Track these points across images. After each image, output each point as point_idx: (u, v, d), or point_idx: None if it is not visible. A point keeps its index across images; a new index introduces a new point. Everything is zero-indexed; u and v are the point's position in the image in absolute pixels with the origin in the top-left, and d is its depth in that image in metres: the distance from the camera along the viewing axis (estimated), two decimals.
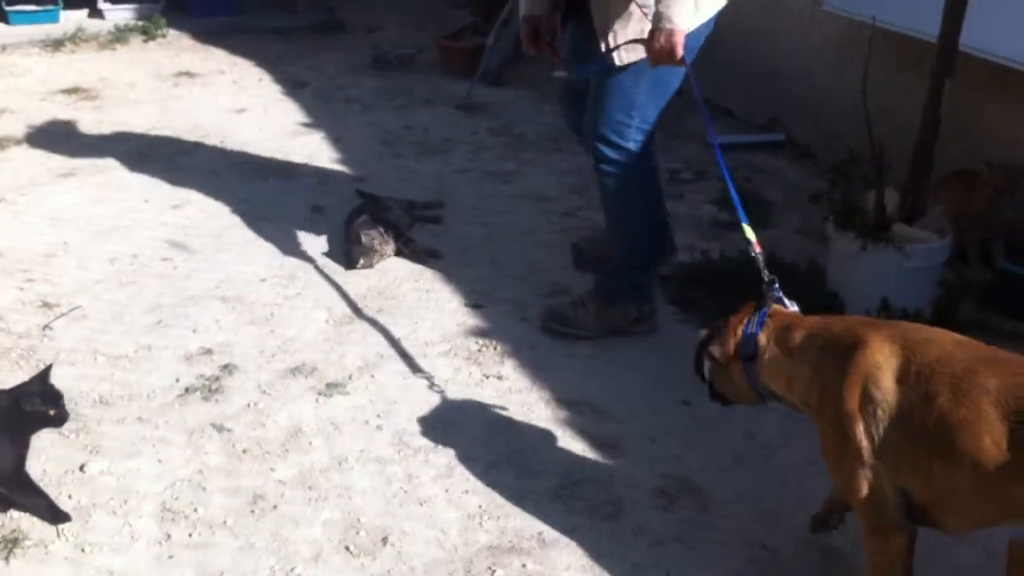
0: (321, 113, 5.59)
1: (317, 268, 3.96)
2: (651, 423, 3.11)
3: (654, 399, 3.23)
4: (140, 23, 6.82)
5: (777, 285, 2.56)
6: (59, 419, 2.67)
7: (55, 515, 2.64)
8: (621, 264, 3.54)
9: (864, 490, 2.18)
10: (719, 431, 3.06)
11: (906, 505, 2.17)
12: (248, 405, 3.15)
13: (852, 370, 2.17)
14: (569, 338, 3.53)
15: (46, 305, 3.63)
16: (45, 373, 2.68)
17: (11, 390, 2.65)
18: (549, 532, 2.66)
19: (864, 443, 2.15)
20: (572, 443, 3.02)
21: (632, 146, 3.34)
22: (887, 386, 2.13)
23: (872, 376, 2.15)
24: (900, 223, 3.65)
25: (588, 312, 3.55)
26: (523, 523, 2.69)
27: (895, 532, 2.19)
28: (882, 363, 2.15)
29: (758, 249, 2.67)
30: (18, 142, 5.02)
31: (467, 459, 2.93)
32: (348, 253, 3.97)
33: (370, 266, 3.93)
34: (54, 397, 2.66)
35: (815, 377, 2.28)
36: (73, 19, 6.83)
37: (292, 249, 4.10)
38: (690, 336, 3.47)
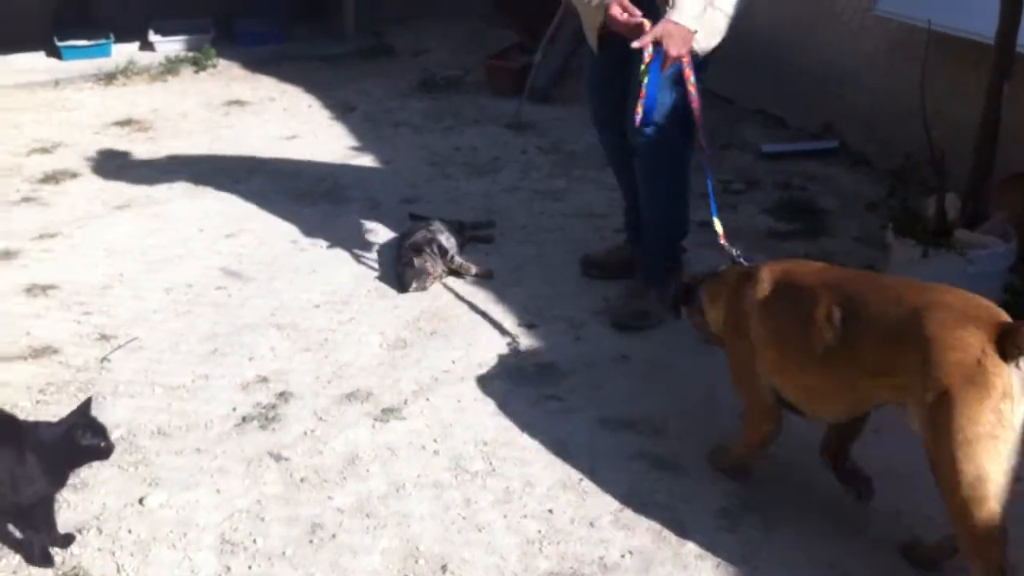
0: (370, 137, 5.60)
1: (370, 292, 3.96)
2: (712, 441, 3.05)
3: (714, 416, 3.18)
4: (190, 54, 6.89)
5: (737, 253, 3.01)
6: (107, 451, 2.66)
7: (42, 558, 2.61)
8: (668, 238, 3.81)
9: (751, 392, 2.74)
10: (782, 447, 2.99)
11: (778, 399, 2.68)
12: (305, 433, 3.14)
13: (740, 295, 2.72)
14: (646, 330, 3.64)
15: (103, 337, 3.66)
16: (86, 405, 2.67)
17: (61, 422, 2.65)
18: (610, 557, 2.62)
19: (747, 354, 2.70)
20: (631, 464, 2.97)
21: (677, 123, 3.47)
22: (760, 301, 2.66)
23: (751, 296, 2.69)
24: (962, 228, 3.56)
25: (652, 298, 3.67)
26: (583, 548, 2.65)
27: (768, 421, 2.74)
28: (760, 287, 2.68)
29: (723, 241, 3.08)
30: (73, 175, 5.08)
31: (525, 483, 2.90)
32: (400, 276, 3.96)
33: (423, 288, 3.92)
34: (100, 429, 2.66)
35: (725, 311, 2.81)
36: (125, 52, 6.91)
37: (345, 274, 4.10)
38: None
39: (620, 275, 3.97)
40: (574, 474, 2.93)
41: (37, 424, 2.66)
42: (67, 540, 2.68)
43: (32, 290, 3.97)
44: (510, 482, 2.90)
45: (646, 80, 3.26)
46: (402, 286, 3.94)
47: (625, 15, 3.29)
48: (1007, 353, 2.19)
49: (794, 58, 5.38)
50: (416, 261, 3.93)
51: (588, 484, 2.89)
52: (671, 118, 3.45)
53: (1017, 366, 2.19)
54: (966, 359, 2.21)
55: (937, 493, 2.30)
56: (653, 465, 2.97)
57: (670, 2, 3.21)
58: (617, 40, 3.36)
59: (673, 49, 3.19)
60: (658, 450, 3.03)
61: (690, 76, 3.25)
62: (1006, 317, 2.28)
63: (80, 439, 2.59)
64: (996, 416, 2.18)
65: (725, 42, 3.47)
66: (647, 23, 3.23)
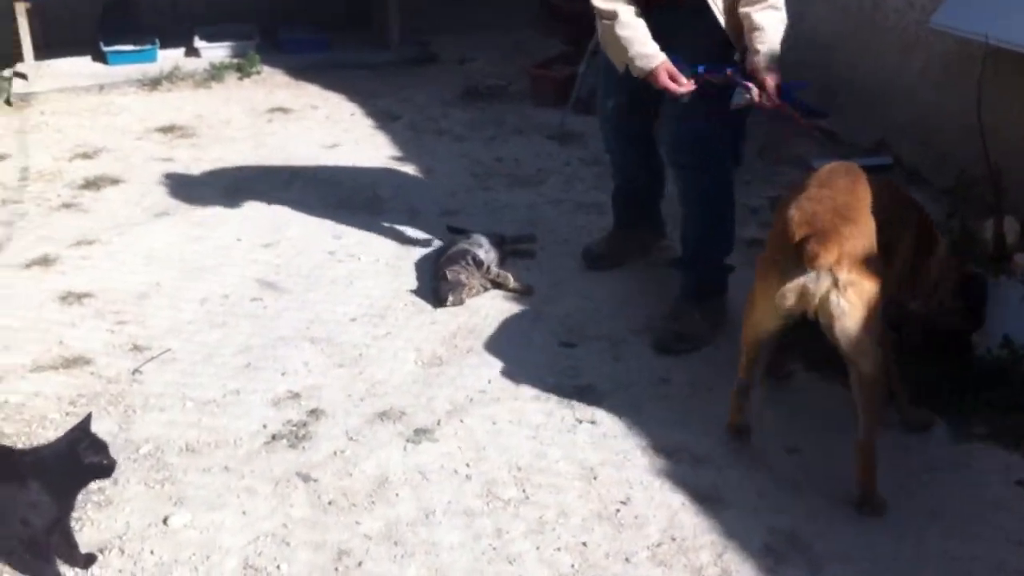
0: (412, 146, 5.53)
1: (407, 306, 3.88)
2: (755, 472, 2.94)
3: (756, 446, 3.06)
4: (235, 61, 6.86)
5: None
6: (110, 468, 2.60)
7: None
8: (717, 258, 3.71)
9: None
10: (829, 480, 2.88)
11: None
12: (335, 453, 3.06)
13: None
14: (688, 353, 3.55)
15: (136, 348, 3.61)
16: (86, 422, 2.60)
17: (60, 442, 2.58)
18: None
19: None
20: (671, 495, 2.87)
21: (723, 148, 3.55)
22: None
23: None
24: (1022, 253, 3.42)
25: (695, 319, 3.59)
26: None
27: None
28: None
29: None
30: (114, 181, 5.06)
31: (560, 512, 2.80)
32: (436, 290, 3.88)
33: (460, 303, 3.84)
34: (101, 446, 2.59)
35: None
36: (170, 58, 6.89)
37: (382, 287, 4.02)
38: (797, 375, 3.34)
39: (624, 261, 4.08)
40: (610, 504, 2.83)
41: (35, 449, 2.61)
42: (89, 560, 2.62)
43: (67, 298, 3.93)
44: (544, 511, 2.81)
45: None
46: (438, 300, 3.85)
47: (674, 84, 3.38)
48: None
49: (847, 71, 5.24)
50: (450, 274, 3.85)
51: (625, 515, 2.79)
52: (717, 137, 3.45)
53: None
54: None
55: None
56: (693, 497, 2.85)
57: (759, 46, 3.26)
58: None
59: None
60: (698, 480, 2.92)
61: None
62: None
63: (82, 457, 2.52)
64: None
65: None
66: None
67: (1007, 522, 2.77)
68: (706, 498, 2.85)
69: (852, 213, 2.82)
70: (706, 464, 2.98)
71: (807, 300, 2.75)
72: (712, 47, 3.43)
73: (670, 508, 2.81)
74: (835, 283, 2.70)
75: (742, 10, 3.33)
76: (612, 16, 3.45)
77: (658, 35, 3.44)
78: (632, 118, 3.80)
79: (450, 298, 3.83)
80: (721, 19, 3.39)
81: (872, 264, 2.75)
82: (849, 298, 2.71)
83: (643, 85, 3.46)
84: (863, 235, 2.78)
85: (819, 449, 3.02)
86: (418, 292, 3.98)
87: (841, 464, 2.90)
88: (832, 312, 2.72)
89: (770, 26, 3.29)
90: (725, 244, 3.71)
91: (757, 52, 3.27)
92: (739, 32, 3.39)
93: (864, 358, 2.74)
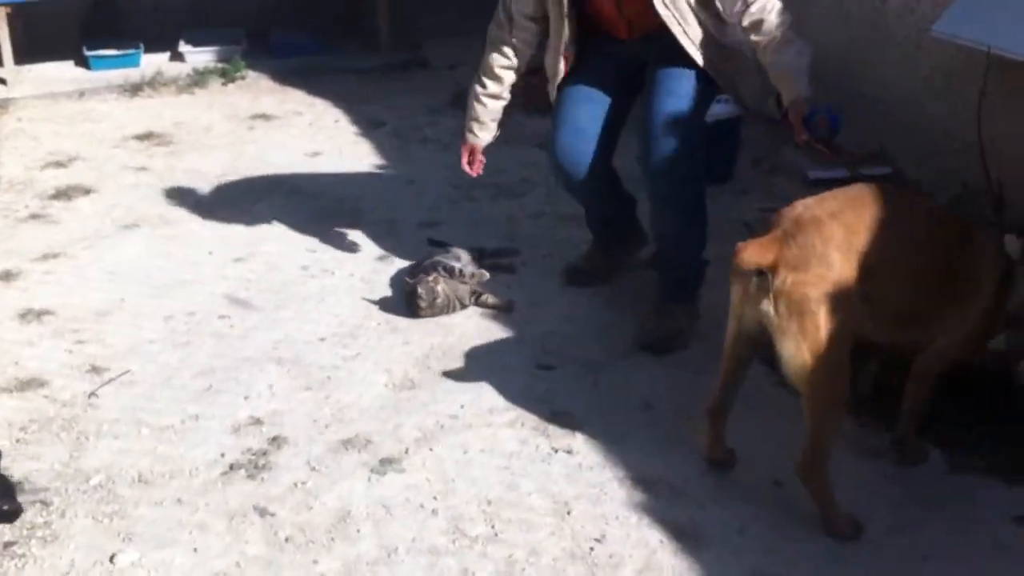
0: (395, 155, 5.37)
1: (380, 325, 3.71)
2: (738, 508, 2.77)
3: (741, 478, 2.89)
4: (220, 65, 6.70)
5: None
6: (15, 514, 2.41)
7: None
8: (697, 257, 3.59)
9: None
10: (817, 517, 2.70)
11: None
12: (295, 484, 2.90)
13: None
14: (674, 351, 3.48)
15: (94, 369, 3.45)
16: None
17: None
18: None
19: None
20: (648, 531, 2.69)
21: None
22: None
23: None
24: None
25: (681, 318, 3.51)
26: None
27: None
28: None
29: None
30: (86, 191, 4.90)
31: (530, 551, 2.63)
32: (410, 304, 3.71)
33: (433, 315, 3.68)
34: (8, 489, 2.41)
35: None
36: (154, 63, 6.73)
37: (355, 304, 3.86)
38: (785, 402, 3.16)
39: (609, 276, 3.95)
40: (584, 542, 2.66)
41: None
42: None
43: (27, 315, 3.78)
44: (513, 550, 2.64)
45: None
46: (411, 313, 3.70)
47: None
48: None
49: (846, 78, 5.06)
50: (425, 289, 3.68)
51: (599, 554, 2.62)
52: (689, 138, 3.36)
53: None
54: None
55: None
56: (672, 534, 2.68)
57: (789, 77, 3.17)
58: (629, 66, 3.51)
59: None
60: (678, 516, 2.74)
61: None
62: None
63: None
64: None
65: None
66: None
67: (1008, 565, 2.60)
68: (686, 535, 2.68)
69: (842, 227, 2.60)
70: (686, 498, 2.81)
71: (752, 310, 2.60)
72: (693, 80, 3.37)
73: (647, 547, 2.64)
74: (769, 289, 2.53)
75: (760, 58, 3.27)
76: (483, 76, 3.71)
77: (635, 61, 3.47)
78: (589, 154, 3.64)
79: (423, 311, 3.67)
80: (697, 56, 3.34)
81: (843, 291, 2.55)
82: (782, 310, 2.52)
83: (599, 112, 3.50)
84: (839, 251, 2.56)
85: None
86: (392, 309, 3.81)
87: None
88: (764, 322, 2.58)
89: (784, 64, 3.19)
90: (701, 239, 3.57)
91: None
92: (720, 66, 3.38)
93: (811, 389, 2.58)
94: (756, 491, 2.83)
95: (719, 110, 4.13)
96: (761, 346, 2.71)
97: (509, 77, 3.69)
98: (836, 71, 5.09)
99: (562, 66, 3.57)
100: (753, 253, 2.55)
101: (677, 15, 3.29)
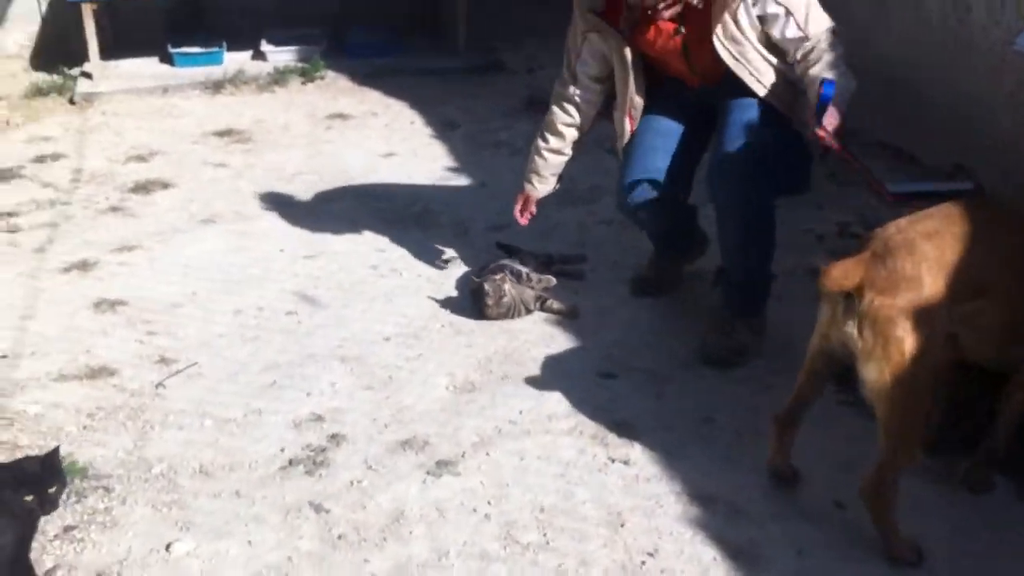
0: (468, 158, 5.38)
1: (444, 327, 3.72)
2: (797, 527, 2.71)
3: (802, 498, 2.83)
4: (300, 65, 6.78)
5: None
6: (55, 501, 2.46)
7: None
8: (763, 272, 3.52)
9: None
10: (877, 542, 2.63)
11: None
12: (351, 483, 2.91)
13: None
14: (739, 366, 3.44)
15: (163, 360, 3.50)
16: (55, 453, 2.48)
17: (16, 466, 2.45)
18: None
19: None
20: (702, 548, 2.65)
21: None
22: None
23: None
24: None
25: (745, 333, 3.47)
26: None
27: None
28: None
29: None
30: (164, 185, 4.99)
31: (580, 562, 2.61)
32: (476, 303, 3.73)
33: (499, 314, 3.69)
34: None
35: None
36: (236, 61, 6.84)
37: (421, 305, 3.87)
38: (851, 422, 3.10)
39: (675, 286, 3.93)
40: (636, 556, 2.63)
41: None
42: None
43: (101, 305, 3.86)
44: (564, 559, 2.62)
45: None
46: (477, 309, 3.72)
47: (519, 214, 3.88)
48: None
49: (926, 91, 4.95)
50: (490, 285, 3.68)
51: (651, 568, 2.59)
52: (758, 153, 3.30)
53: None
54: None
55: None
56: (727, 552, 2.64)
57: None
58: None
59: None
60: (735, 534, 2.70)
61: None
62: None
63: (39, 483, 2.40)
64: None
65: None
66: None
67: None
68: (741, 554, 2.63)
69: (937, 247, 2.52)
70: (744, 516, 2.76)
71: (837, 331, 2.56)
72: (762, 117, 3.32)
73: (700, 563, 2.60)
74: (855, 311, 2.49)
75: (802, 71, 3.24)
76: (546, 131, 3.74)
77: (706, 102, 3.47)
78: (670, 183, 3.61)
79: (491, 311, 3.66)
80: (769, 97, 3.33)
81: (932, 314, 2.47)
82: (867, 334, 2.47)
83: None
84: (931, 273, 2.49)
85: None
86: (458, 311, 3.82)
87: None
88: (848, 344, 2.53)
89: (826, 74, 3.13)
90: (767, 254, 3.49)
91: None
92: (790, 101, 3.35)
93: (890, 413, 2.51)
94: (817, 512, 2.77)
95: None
96: (841, 366, 2.66)
97: (571, 134, 3.74)
98: (916, 81, 4.99)
99: (628, 126, 3.59)
100: (839, 274, 2.49)
101: (749, 67, 3.29)
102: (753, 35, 3.25)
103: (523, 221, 3.88)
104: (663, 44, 3.41)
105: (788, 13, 3.20)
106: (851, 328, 2.50)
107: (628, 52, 3.44)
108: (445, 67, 6.86)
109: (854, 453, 3.00)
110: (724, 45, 3.25)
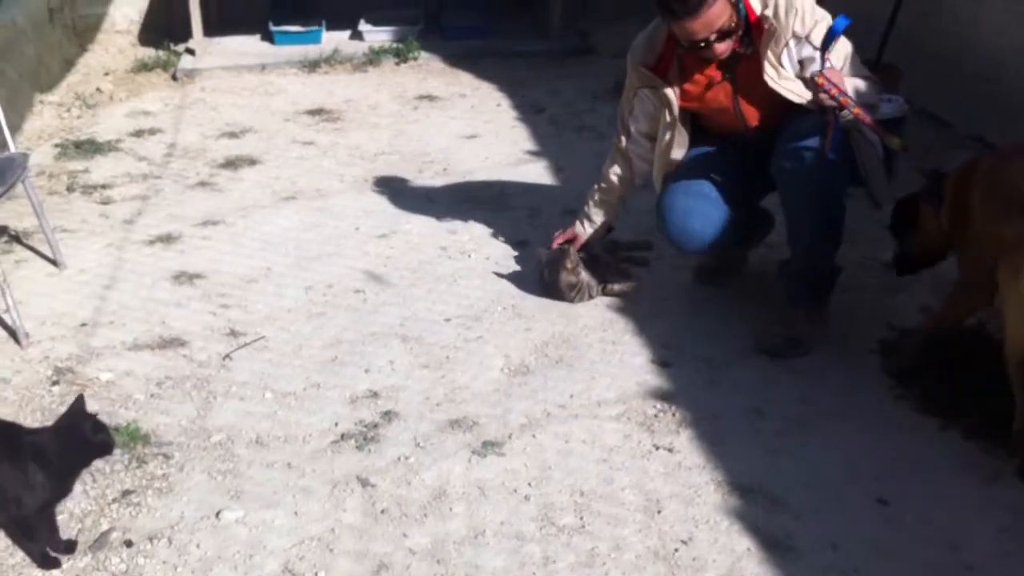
0: (550, 141, 5.40)
1: (505, 309, 3.76)
2: (835, 522, 2.69)
3: (844, 493, 2.80)
4: (395, 45, 6.89)
5: None
6: (110, 447, 2.60)
7: (44, 562, 2.57)
8: (827, 265, 3.46)
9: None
10: (916, 540, 2.61)
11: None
12: (399, 459, 2.98)
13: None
14: (797, 357, 3.41)
15: (233, 333, 3.63)
16: (80, 402, 2.60)
17: (60, 424, 2.58)
18: None
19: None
20: (737, 539, 2.65)
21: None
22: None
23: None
24: None
25: (804, 324, 3.45)
26: None
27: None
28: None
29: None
30: (252, 162, 5.13)
31: (614, 546, 2.63)
32: (552, 275, 3.77)
33: (569, 291, 3.73)
34: (100, 426, 2.59)
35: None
36: (334, 40, 6.98)
37: (486, 287, 3.92)
38: (905, 418, 3.06)
39: (739, 269, 3.94)
40: (670, 543, 2.64)
41: (40, 430, 2.61)
42: (70, 547, 2.62)
43: (180, 277, 4.00)
44: (597, 543, 2.64)
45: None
46: (552, 283, 3.76)
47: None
48: None
49: (1021, 84, 4.79)
50: (568, 263, 3.73)
51: (683, 556, 2.60)
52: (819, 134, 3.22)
53: None
54: None
55: None
56: (761, 543, 2.63)
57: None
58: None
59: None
60: (771, 525, 2.69)
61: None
62: None
63: (82, 438, 2.53)
64: None
65: None
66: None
67: None
68: (776, 545, 2.62)
69: None
70: (782, 508, 2.75)
71: None
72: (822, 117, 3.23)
73: (733, 553, 2.60)
74: None
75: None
76: (602, 179, 3.78)
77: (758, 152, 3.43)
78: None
79: (568, 269, 3.73)
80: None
81: None
82: None
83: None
84: None
85: (912, 503, 2.74)
86: (521, 295, 3.86)
87: (933, 525, 2.63)
88: None
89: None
90: (831, 247, 3.43)
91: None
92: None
93: None
94: (858, 507, 2.74)
95: (886, 109, 3.97)
96: None
97: (623, 186, 3.77)
98: (1011, 74, 4.83)
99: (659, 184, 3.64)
100: None
101: (799, 95, 3.23)
102: (792, 75, 3.23)
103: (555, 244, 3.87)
104: (713, 96, 3.40)
105: (823, 58, 3.14)
106: None
107: (675, 104, 3.43)
108: (536, 50, 6.89)
109: (905, 449, 2.96)
110: (776, 82, 3.21)
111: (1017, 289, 2.69)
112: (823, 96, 3.03)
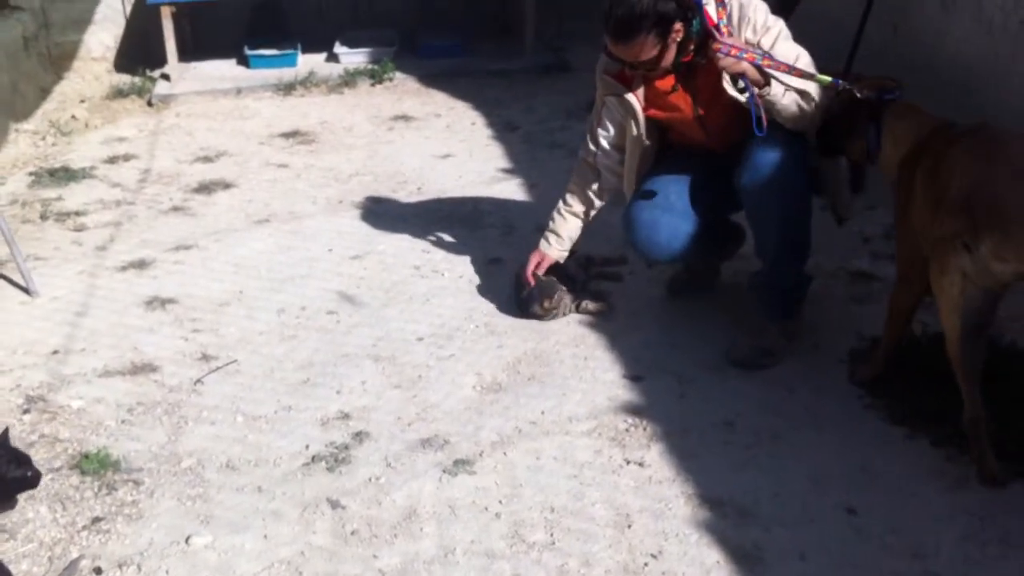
0: (524, 159, 5.42)
1: (478, 327, 3.77)
2: (803, 532, 2.70)
3: (812, 503, 2.81)
4: (370, 67, 6.90)
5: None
6: (35, 480, 2.58)
7: None
8: (795, 276, 3.49)
9: (902, 241, 3.17)
10: (883, 549, 2.62)
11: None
12: (370, 479, 2.98)
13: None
14: (768, 368, 3.43)
15: (204, 358, 3.62)
16: (4, 436, 2.59)
17: None
18: None
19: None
20: (706, 552, 2.65)
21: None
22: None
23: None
24: None
25: (775, 336, 3.46)
26: None
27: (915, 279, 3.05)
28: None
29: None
30: (226, 186, 5.14)
31: (583, 562, 2.63)
32: (526, 301, 3.78)
33: (545, 316, 3.74)
34: (23, 459, 2.58)
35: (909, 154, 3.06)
36: (309, 63, 6.99)
37: (459, 305, 3.93)
38: (873, 427, 3.07)
39: (710, 283, 3.94)
40: (640, 557, 2.64)
41: None
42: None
43: (152, 303, 4.00)
44: (567, 559, 2.64)
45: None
46: (525, 311, 3.77)
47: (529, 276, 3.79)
48: None
49: (991, 92, 4.82)
50: (539, 281, 3.76)
51: (653, 570, 2.60)
52: (789, 155, 3.26)
53: None
54: None
55: None
56: (731, 555, 2.63)
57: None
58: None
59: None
60: (740, 537, 2.69)
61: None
62: None
63: (5, 473, 2.51)
64: None
65: None
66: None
67: None
68: (745, 557, 2.63)
69: None
70: (752, 519, 2.75)
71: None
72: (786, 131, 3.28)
73: (703, 566, 2.60)
74: None
75: None
76: (567, 193, 3.79)
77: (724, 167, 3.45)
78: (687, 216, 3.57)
79: (537, 307, 3.74)
80: None
81: None
82: None
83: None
84: None
85: (880, 512, 2.75)
86: (494, 312, 3.87)
87: (900, 533, 2.64)
88: None
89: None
90: (799, 258, 3.46)
91: None
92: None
93: None
94: (827, 517, 2.75)
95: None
96: None
97: (591, 200, 3.77)
98: (979, 82, 4.86)
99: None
100: None
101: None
102: None
103: (531, 281, 3.79)
104: (674, 103, 3.42)
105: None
106: None
107: (640, 112, 3.45)
108: (511, 68, 6.92)
109: (873, 458, 2.97)
110: (734, 89, 3.21)
111: (944, 287, 2.71)
112: (727, 61, 3.05)
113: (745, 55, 3.06)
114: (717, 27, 3.13)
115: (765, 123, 3.11)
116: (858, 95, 3.07)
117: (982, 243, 2.61)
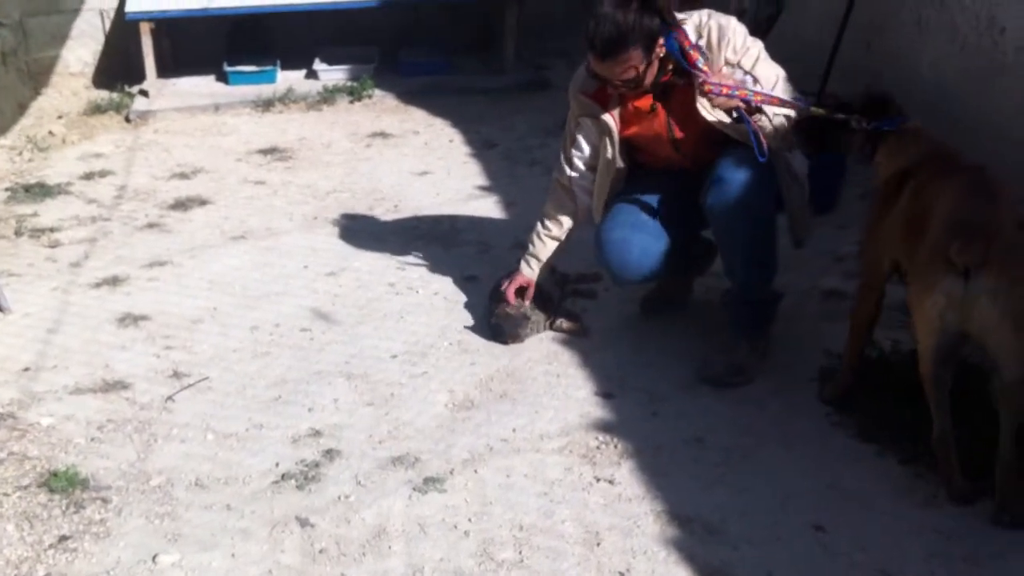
0: (501, 176, 5.43)
1: (451, 345, 3.77)
2: (772, 550, 2.70)
3: (780, 520, 2.82)
4: (349, 84, 6.90)
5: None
6: None
7: None
8: (764, 294, 3.51)
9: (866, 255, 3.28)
10: (850, 566, 2.63)
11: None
12: (339, 498, 2.97)
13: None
14: (740, 386, 3.43)
15: (176, 375, 3.61)
16: None
17: None
18: None
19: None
20: (675, 568, 2.66)
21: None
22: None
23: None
24: None
25: (746, 353, 3.46)
26: None
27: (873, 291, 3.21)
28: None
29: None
30: (202, 203, 5.13)
31: None
32: (497, 326, 3.77)
33: (519, 339, 3.75)
34: None
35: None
36: (288, 80, 6.99)
37: (433, 323, 3.93)
38: (843, 444, 3.08)
39: (683, 300, 3.95)
40: (608, 574, 2.65)
41: None
42: None
43: (125, 320, 3.98)
44: None
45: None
46: (498, 337, 3.76)
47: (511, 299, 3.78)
48: None
49: (963, 112, 4.86)
50: (511, 309, 3.74)
51: None
52: (755, 176, 3.29)
53: None
54: None
55: None
56: (700, 573, 2.64)
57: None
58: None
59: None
60: (708, 555, 2.70)
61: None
62: None
63: None
64: None
65: None
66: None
67: None
68: (713, 575, 2.63)
69: None
70: (721, 537, 2.76)
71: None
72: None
73: None
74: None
75: None
76: (544, 217, 3.77)
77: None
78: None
79: (505, 338, 3.72)
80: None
81: None
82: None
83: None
84: None
85: (847, 530, 2.76)
86: (468, 329, 3.87)
87: (867, 551, 2.65)
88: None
89: None
90: (767, 277, 3.49)
91: None
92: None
93: None
94: (794, 535, 2.76)
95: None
96: None
97: (567, 222, 3.77)
98: (953, 102, 4.90)
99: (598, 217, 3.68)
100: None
101: (739, 135, 3.29)
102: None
103: (513, 301, 3.79)
104: (648, 124, 3.45)
105: (755, 81, 3.24)
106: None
107: (615, 132, 3.47)
108: (490, 86, 6.93)
109: (842, 475, 2.98)
110: (708, 111, 3.26)
111: (925, 305, 2.72)
112: (720, 99, 3.10)
113: (737, 92, 3.08)
114: (695, 65, 3.16)
115: (766, 148, 3.15)
116: (854, 127, 3.08)
117: (985, 275, 2.60)
